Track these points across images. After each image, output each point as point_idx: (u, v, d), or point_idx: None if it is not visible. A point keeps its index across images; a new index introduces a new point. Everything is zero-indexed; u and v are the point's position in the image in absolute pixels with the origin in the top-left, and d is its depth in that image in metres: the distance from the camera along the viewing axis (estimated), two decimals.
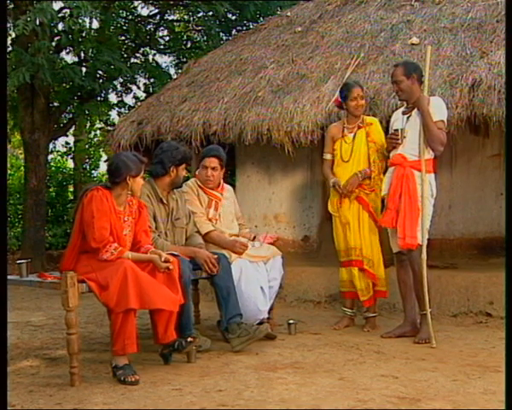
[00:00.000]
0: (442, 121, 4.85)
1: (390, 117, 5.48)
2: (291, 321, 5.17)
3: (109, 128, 14.87)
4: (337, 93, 5.61)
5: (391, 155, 5.00)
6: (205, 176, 5.06)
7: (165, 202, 4.69)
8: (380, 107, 6.16)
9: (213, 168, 5.06)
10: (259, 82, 7.51)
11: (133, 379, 3.70)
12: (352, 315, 5.44)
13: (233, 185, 9.17)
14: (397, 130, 4.92)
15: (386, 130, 5.44)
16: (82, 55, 12.15)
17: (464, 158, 7.29)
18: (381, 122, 5.78)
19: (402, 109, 5.09)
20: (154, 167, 4.69)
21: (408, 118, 4.91)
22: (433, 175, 4.91)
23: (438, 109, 4.84)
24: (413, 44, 6.96)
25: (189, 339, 4.08)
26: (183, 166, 4.69)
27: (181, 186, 4.92)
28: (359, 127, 5.34)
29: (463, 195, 7.24)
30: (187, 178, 5.06)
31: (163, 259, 3.95)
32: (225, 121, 7.15)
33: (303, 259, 7.45)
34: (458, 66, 6.28)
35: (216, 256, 4.60)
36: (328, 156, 5.48)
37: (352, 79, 5.79)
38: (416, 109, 4.85)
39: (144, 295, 3.73)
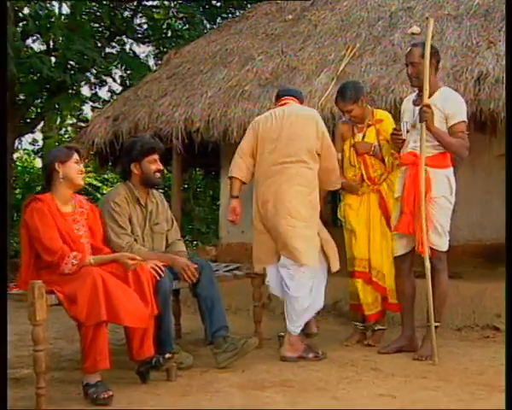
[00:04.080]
0: (464, 122, 4.74)
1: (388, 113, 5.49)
2: (281, 334, 5.17)
3: (82, 124, 14.85)
4: (334, 90, 5.57)
5: (401, 153, 4.94)
6: None
7: (142, 203, 4.69)
8: (377, 102, 6.18)
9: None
10: (246, 75, 7.53)
11: (106, 396, 3.68)
12: (364, 329, 5.39)
13: (217, 188, 9.17)
14: (399, 123, 4.87)
15: None
16: (51, 43, 12.11)
17: (469, 158, 7.21)
18: None
19: (413, 97, 4.97)
20: (119, 172, 4.71)
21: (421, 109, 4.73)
22: (451, 169, 4.83)
23: (457, 108, 4.72)
24: (414, 34, 7.00)
25: (168, 355, 4.07)
26: (148, 158, 4.63)
27: (158, 183, 4.86)
28: (369, 125, 5.27)
29: (468, 197, 7.27)
30: (165, 173, 4.98)
31: (129, 256, 3.97)
32: (209, 118, 7.16)
33: None
34: (463, 57, 6.32)
35: (196, 265, 4.60)
36: (338, 156, 5.34)
37: (341, 85, 5.58)
38: (430, 100, 4.68)
39: (113, 309, 3.71)
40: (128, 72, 13.35)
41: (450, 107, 4.70)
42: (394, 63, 6.63)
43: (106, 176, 16.46)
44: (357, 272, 5.23)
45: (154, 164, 4.65)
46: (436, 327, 4.77)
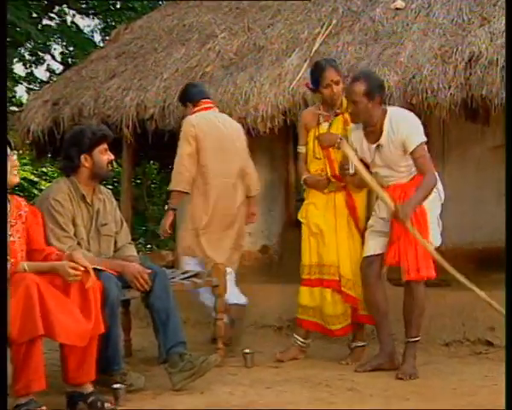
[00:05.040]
0: (422, 144, 4.81)
1: None
2: (247, 351, 5.20)
3: (15, 109, 14.72)
4: (307, 73, 5.63)
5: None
6: None
7: (88, 201, 4.68)
8: None
9: None
10: (207, 54, 7.54)
11: None
12: (304, 346, 5.46)
13: None
14: (346, 156, 4.97)
15: None
16: None
17: (459, 150, 7.43)
18: None
19: (360, 129, 5.00)
20: (63, 164, 4.72)
21: (377, 148, 4.88)
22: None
23: (411, 129, 4.81)
24: (398, 9, 7.06)
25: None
26: (100, 148, 4.66)
27: (109, 176, 4.90)
28: (336, 114, 5.35)
29: (458, 195, 7.33)
30: (113, 165, 4.98)
31: (71, 264, 3.92)
32: (165, 103, 7.14)
33: (261, 274, 7.49)
34: (452, 36, 6.37)
35: (150, 271, 4.60)
36: (303, 149, 5.49)
37: (325, 58, 5.72)
38: (384, 136, 4.83)
39: (48, 322, 3.69)
40: (70, 48, 13.27)
41: (404, 130, 4.79)
42: (375, 42, 6.68)
43: (44, 169, 16.33)
44: (327, 281, 5.28)
45: (105, 154, 4.68)
46: (416, 341, 4.86)
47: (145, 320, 5.82)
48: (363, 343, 5.37)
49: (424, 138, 4.85)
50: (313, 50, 6.84)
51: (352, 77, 5.00)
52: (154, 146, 8.02)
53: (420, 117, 6.06)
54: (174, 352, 4.50)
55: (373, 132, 4.88)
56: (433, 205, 4.90)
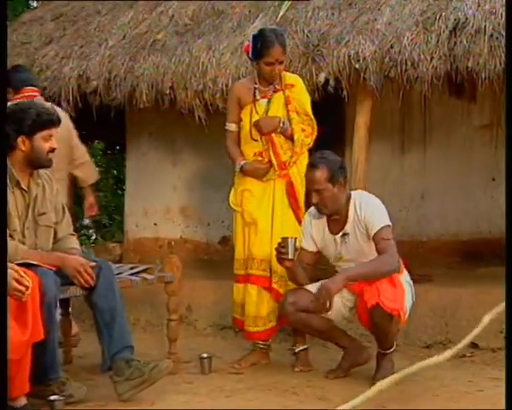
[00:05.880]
0: (386, 227, 4.79)
1: (340, 72, 5.56)
2: (204, 355, 5.21)
3: None
4: (250, 38, 5.58)
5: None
6: None
7: (23, 187, 4.61)
8: (326, 57, 6.22)
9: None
10: (159, 19, 7.50)
11: None
12: (265, 349, 5.48)
13: (123, 166, 9.15)
14: (285, 238, 4.87)
15: (329, 96, 5.49)
16: None
17: (442, 130, 7.47)
18: (327, 80, 5.86)
19: (323, 221, 5.00)
20: None
21: (343, 237, 4.91)
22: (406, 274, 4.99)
23: (374, 214, 4.81)
24: None
25: None
26: (43, 133, 4.57)
27: (49, 166, 4.81)
28: (276, 90, 5.37)
29: (441, 181, 7.41)
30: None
31: (16, 276, 3.85)
32: (110, 74, 7.10)
33: (220, 269, 7.47)
34: (435, 0, 6.40)
35: (94, 264, 4.55)
36: (232, 127, 5.47)
37: (274, 29, 5.64)
38: (350, 223, 4.85)
39: None
40: None
41: (367, 215, 4.81)
42: (349, 7, 6.67)
43: None
44: (255, 276, 5.32)
45: (48, 141, 4.59)
46: (384, 354, 4.91)
47: (88, 322, 5.79)
48: (304, 346, 5.34)
49: (389, 223, 4.82)
50: (279, 16, 6.83)
51: (309, 164, 4.91)
52: (98, 124, 7.97)
53: (399, 92, 6.14)
54: (120, 358, 4.45)
55: (337, 221, 4.90)
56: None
